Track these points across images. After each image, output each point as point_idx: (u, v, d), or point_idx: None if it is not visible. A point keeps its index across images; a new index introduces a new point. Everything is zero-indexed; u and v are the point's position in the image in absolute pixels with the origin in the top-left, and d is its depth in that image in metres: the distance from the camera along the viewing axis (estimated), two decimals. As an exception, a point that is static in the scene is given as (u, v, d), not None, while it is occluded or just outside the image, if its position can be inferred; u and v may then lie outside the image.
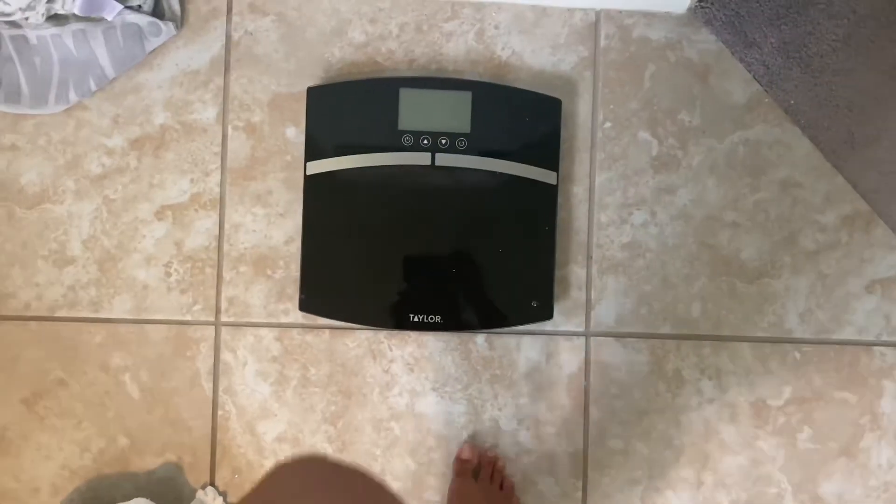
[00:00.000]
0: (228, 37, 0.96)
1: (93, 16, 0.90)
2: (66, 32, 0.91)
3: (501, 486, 0.93)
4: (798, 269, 0.99)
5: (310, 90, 0.94)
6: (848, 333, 0.99)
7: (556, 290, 0.96)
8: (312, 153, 0.93)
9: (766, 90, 0.99)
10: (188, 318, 0.95)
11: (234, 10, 0.96)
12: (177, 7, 0.95)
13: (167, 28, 0.93)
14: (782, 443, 0.99)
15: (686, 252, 0.98)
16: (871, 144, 0.99)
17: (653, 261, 0.98)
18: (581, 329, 0.98)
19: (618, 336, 0.98)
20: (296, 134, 0.96)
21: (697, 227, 0.98)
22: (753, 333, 0.99)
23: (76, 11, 0.88)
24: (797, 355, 0.99)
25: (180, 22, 0.95)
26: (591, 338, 0.98)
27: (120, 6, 0.89)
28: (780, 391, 0.99)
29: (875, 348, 1.00)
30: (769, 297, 0.99)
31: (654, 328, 0.98)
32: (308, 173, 0.93)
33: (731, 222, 0.99)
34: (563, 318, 0.98)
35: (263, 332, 0.96)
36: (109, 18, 0.90)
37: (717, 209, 0.99)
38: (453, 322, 0.94)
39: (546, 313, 0.95)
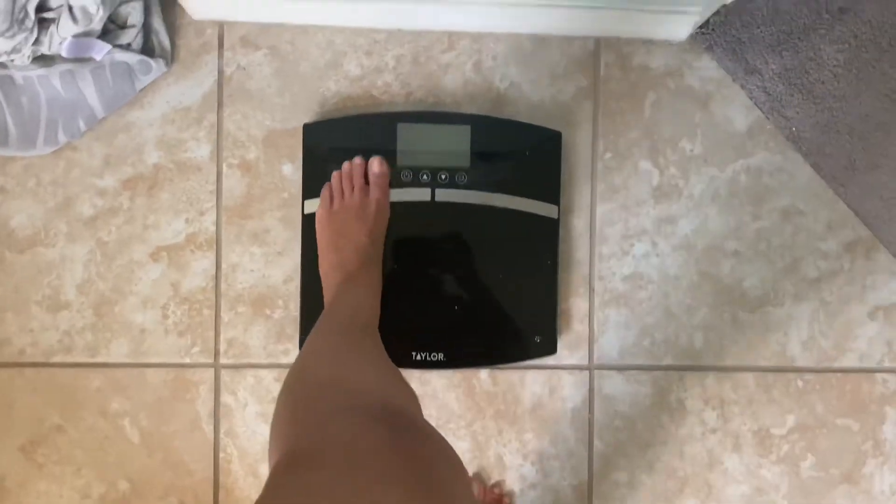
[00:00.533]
0: (220, 72, 0.94)
1: (80, 56, 0.87)
2: (54, 73, 0.88)
3: None
4: (800, 296, 0.99)
5: (306, 127, 0.93)
6: (850, 360, 0.99)
7: (559, 323, 0.96)
8: (310, 191, 0.92)
9: (767, 117, 0.98)
10: (187, 360, 0.94)
11: (225, 45, 0.94)
12: (167, 43, 0.92)
13: (157, 65, 0.91)
14: (785, 471, 0.99)
15: (688, 282, 0.98)
16: (873, 170, 0.99)
17: (654, 292, 0.98)
18: (584, 363, 0.97)
19: (621, 369, 0.98)
20: (292, 170, 0.94)
21: (699, 257, 0.98)
22: (756, 363, 0.99)
23: (63, 54, 0.85)
24: (800, 384, 0.99)
25: (171, 58, 0.93)
26: (595, 371, 0.98)
27: (108, 46, 0.86)
28: (783, 420, 0.99)
29: (877, 374, 1.00)
30: (772, 326, 0.99)
31: (656, 360, 0.98)
32: (306, 212, 0.92)
33: (732, 251, 0.98)
34: (567, 351, 0.97)
35: (263, 373, 0.95)
36: (98, 59, 0.88)
37: (718, 238, 0.98)
38: (457, 359, 0.93)
39: (550, 348, 0.95)
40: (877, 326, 1.00)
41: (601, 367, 0.98)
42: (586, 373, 0.97)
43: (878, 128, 0.98)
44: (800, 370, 0.99)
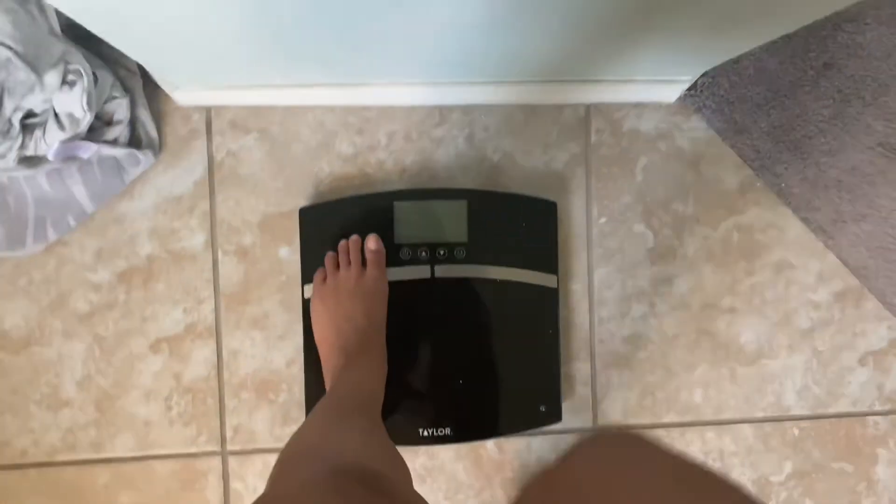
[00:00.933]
0: (210, 158, 0.93)
1: (68, 157, 0.85)
2: (40, 173, 0.86)
3: None
4: (794, 347, 1.01)
5: (301, 211, 0.92)
6: (843, 406, 1.02)
7: (563, 388, 0.97)
8: (309, 276, 0.91)
9: (757, 174, 1.00)
10: (193, 450, 0.94)
11: (214, 130, 0.92)
12: (154, 133, 0.90)
13: (146, 157, 0.89)
14: (786, 517, 1.02)
15: (686, 340, 0.99)
16: (859, 221, 1.01)
17: (654, 352, 0.99)
18: (589, 425, 0.99)
19: (625, 429, 0.99)
20: (289, 253, 0.94)
21: (696, 314, 0.99)
22: (754, 414, 1.01)
23: (50, 158, 0.83)
24: (796, 431, 1.02)
25: (159, 147, 0.91)
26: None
27: (94, 146, 0.84)
28: (780, 467, 1.02)
29: (868, 418, 1.03)
30: (767, 378, 1.01)
31: (658, 418, 1.00)
32: (306, 297, 0.91)
33: (728, 308, 1.00)
34: (571, 415, 0.98)
35: (271, 457, 0.95)
36: (85, 158, 0.86)
37: (714, 296, 1.00)
38: (463, 433, 0.93)
39: (554, 417, 0.95)
40: (867, 372, 1.02)
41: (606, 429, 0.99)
42: (591, 435, 0.99)
43: (864, 180, 1.00)
44: (795, 418, 1.02)
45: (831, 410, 1.02)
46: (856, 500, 1.03)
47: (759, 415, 1.01)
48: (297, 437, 0.65)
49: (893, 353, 1.03)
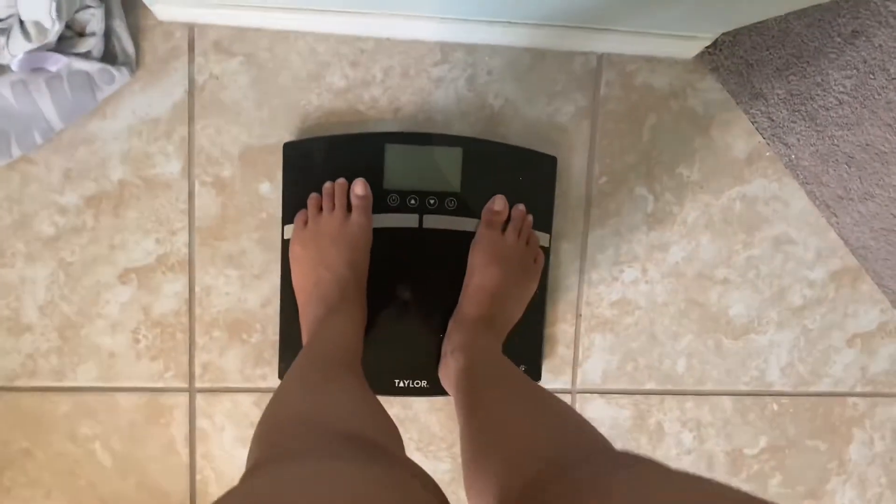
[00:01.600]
0: (191, 80, 0.86)
1: (34, 68, 0.78)
2: (4, 83, 0.79)
3: (528, 243, 0.88)
4: (783, 324, 0.99)
5: (286, 146, 0.86)
6: (825, 385, 1.01)
7: (544, 348, 0.94)
8: (290, 216, 0.86)
9: (768, 143, 0.95)
10: (160, 384, 0.90)
11: (196, 50, 0.85)
12: (130, 49, 0.83)
13: (120, 74, 0.82)
14: (754, 489, 1.02)
15: (675, 309, 0.97)
16: (866, 200, 0.97)
17: (641, 318, 0.97)
18: (567, 386, 0.97)
19: (603, 393, 0.98)
20: (270, 189, 0.88)
21: (688, 284, 0.97)
22: (735, 387, 1.00)
23: (13, 69, 0.76)
24: (775, 407, 1.01)
25: (135, 64, 0.84)
26: (577, 395, 0.97)
27: (64, 58, 0.78)
28: (755, 441, 1.02)
29: (849, 399, 1.02)
30: (753, 353, 0.99)
31: (638, 384, 0.98)
32: (286, 237, 0.87)
33: (722, 279, 0.97)
34: (551, 375, 0.96)
35: (241, 397, 0.92)
36: (53, 70, 0.79)
37: (708, 266, 0.96)
38: (440, 386, 0.91)
39: (534, 376, 0.94)
40: (853, 353, 1.01)
41: (584, 391, 0.97)
42: (569, 396, 0.97)
43: (877, 157, 0.96)
44: (775, 394, 1.01)
45: (812, 389, 1.01)
46: (825, 476, 1.04)
47: (741, 388, 1.00)
48: (281, 401, 0.61)
49: (881, 336, 1.01)
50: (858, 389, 1.02)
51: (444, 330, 0.89)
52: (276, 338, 0.89)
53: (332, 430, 0.54)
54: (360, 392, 0.66)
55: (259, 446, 0.54)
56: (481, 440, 0.62)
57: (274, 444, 0.52)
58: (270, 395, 0.87)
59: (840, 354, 1.01)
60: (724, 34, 0.90)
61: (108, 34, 0.82)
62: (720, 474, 1.01)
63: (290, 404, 0.60)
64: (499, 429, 0.61)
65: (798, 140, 0.95)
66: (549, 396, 0.64)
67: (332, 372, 0.68)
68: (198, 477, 0.93)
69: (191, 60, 0.85)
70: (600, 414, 0.98)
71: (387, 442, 0.57)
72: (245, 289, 0.90)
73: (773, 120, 0.94)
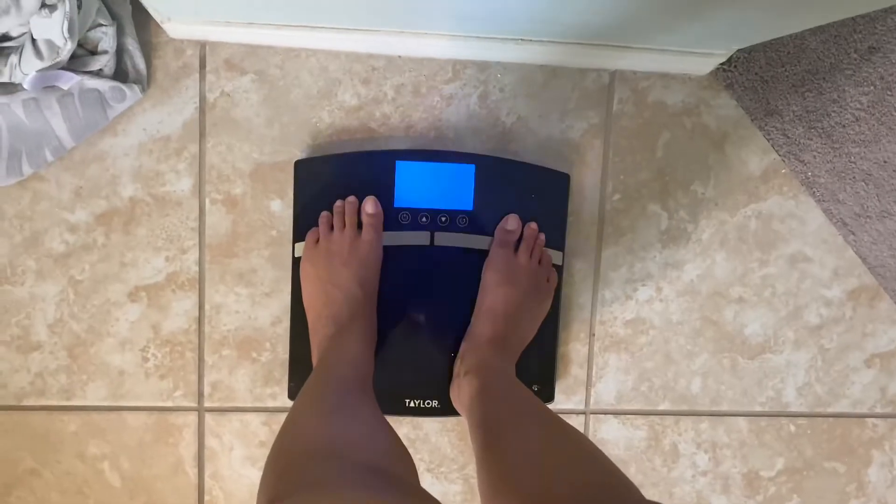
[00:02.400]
0: (203, 98, 0.86)
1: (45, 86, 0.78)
2: (16, 101, 0.79)
3: (540, 262, 0.87)
4: (800, 343, 0.97)
5: (297, 164, 0.86)
6: (843, 406, 0.99)
7: (558, 368, 0.93)
8: (301, 233, 0.85)
9: (783, 160, 0.94)
10: (169, 403, 0.90)
11: (207, 68, 0.85)
12: (142, 66, 0.83)
13: (132, 92, 0.82)
14: (771, 512, 1.00)
15: (690, 328, 0.95)
16: (884, 218, 0.96)
17: (656, 337, 0.95)
18: (581, 407, 0.96)
19: (617, 413, 0.96)
20: (281, 207, 0.88)
21: (703, 303, 0.95)
22: (751, 408, 0.98)
23: (26, 87, 0.76)
24: (792, 428, 0.99)
25: (147, 82, 0.84)
26: (591, 415, 0.96)
27: (76, 76, 0.77)
28: (772, 462, 1.00)
29: (867, 420, 1.00)
30: (769, 373, 0.97)
31: (653, 405, 0.96)
32: (297, 255, 0.86)
33: (737, 298, 0.95)
34: (563, 395, 0.95)
35: (250, 416, 0.91)
36: (65, 88, 0.79)
37: (724, 285, 0.95)
38: (451, 407, 0.89)
39: (547, 396, 0.92)
40: (872, 373, 0.99)
41: (598, 412, 0.96)
42: (582, 417, 0.96)
43: (895, 175, 0.94)
44: (792, 415, 0.99)
45: (830, 410, 0.99)
46: (844, 500, 1.02)
47: (757, 409, 0.98)
48: (295, 428, 0.61)
49: (900, 356, 0.99)
50: (878, 410, 1.00)
51: (455, 350, 0.87)
52: (287, 356, 0.88)
53: (348, 461, 0.54)
54: (374, 420, 0.66)
55: (275, 477, 0.54)
56: (502, 474, 0.61)
57: (291, 476, 0.52)
58: (280, 415, 0.90)
59: (858, 374, 0.99)
60: (739, 50, 0.89)
61: (119, 52, 0.82)
62: (736, 497, 0.99)
63: (305, 433, 0.60)
64: (520, 464, 0.61)
65: (814, 157, 0.93)
66: (567, 427, 0.64)
67: (344, 396, 0.68)
68: (206, 497, 0.92)
69: (202, 78, 0.85)
70: (614, 435, 0.96)
71: (402, 471, 0.58)
72: (255, 307, 0.89)
73: (788, 137, 0.93)
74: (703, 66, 0.89)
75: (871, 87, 0.92)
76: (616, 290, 0.94)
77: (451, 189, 0.87)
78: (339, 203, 0.84)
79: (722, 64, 0.90)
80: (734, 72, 0.91)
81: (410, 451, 0.88)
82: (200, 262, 0.88)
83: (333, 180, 0.86)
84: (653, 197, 0.93)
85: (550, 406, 0.93)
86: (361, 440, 0.59)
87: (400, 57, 0.87)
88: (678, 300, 0.95)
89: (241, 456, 0.91)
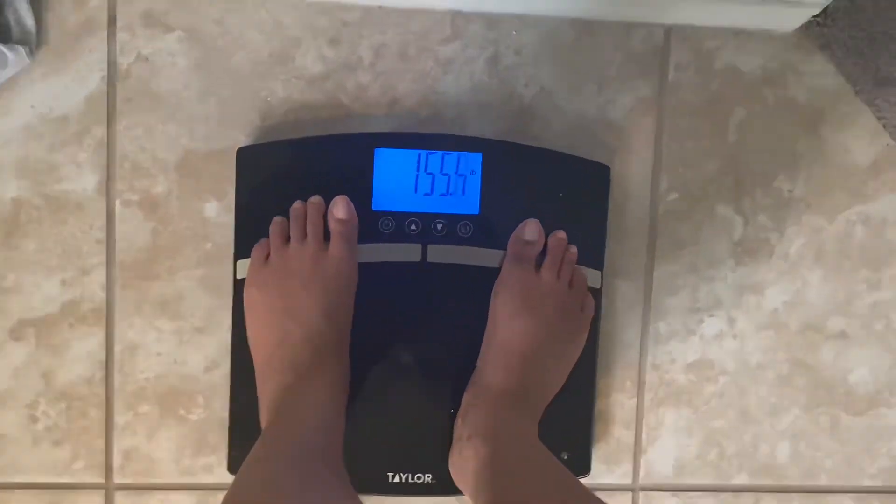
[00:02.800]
0: (112, 64, 0.68)
1: None
2: None
3: (571, 284, 0.71)
4: (924, 394, 0.77)
5: (240, 152, 0.69)
6: (982, 477, 0.79)
7: (595, 430, 0.74)
8: (245, 247, 0.68)
9: (899, 145, 0.74)
10: (66, 479, 0.70)
11: (119, 24, 0.67)
12: (30, 22, 0.65)
13: (15, 56, 0.64)
14: None
15: (774, 375, 0.77)
16: None
17: (728, 386, 0.76)
18: (628, 481, 0.77)
19: (676, 490, 0.77)
20: (219, 211, 0.70)
21: (791, 339, 0.77)
22: (859, 482, 0.79)
23: None
24: (914, 509, 0.78)
25: (36, 43, 0.66)
26: (641, 492, 0.77)
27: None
28: (887, 556, 0.78)
29: None
30: (883, 434, 0.78)
31: (725, 478, 0.77)
32: (239, 276, 0.68)
33: (838, 333, 0.77)
34: (604, 465, 0.76)
35: (176, 496, 0.72)
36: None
37: (820, 315, 0.77)
38: (451, 484, 0.71)
39: (581, 468, 0.73)
40: None
41: (650, 489, 0.77)
42: (629, 494, 0.77)
43: None
44: (915, 491, 0.79)
45: (965, 483, 0.79)
46: None
47: (866, 483, 0.79)
48: None
49: None
50: None
51: (456, 405, 0.70)
52: (226, 415, 0.70)
53: None
54: (340, 495, 0.56)
55: None
56: None
57: None
58: (217, 495, 0.71)
59: None
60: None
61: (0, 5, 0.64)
62: None
63: None
64: None
65: (941, 142, 0.72)
66: None
67: (305, 471, 0.56)
68: None
69: (111, 37, 0.68)
70: (674, 519, 0.77)
71: None
72: (183, 346, 0.71)
73: (906, 114, 0.72)
74: (790, 18, 0.72)
75: None
76: (674, 323, 0.76)
77: (451, 186, 0.71)
78: (297, 205, 0.68)
79: (816, 16, 0.72)
80: (832, 26, 0.72)
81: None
82: (109, 287, 0.70)
83: (290, 174, 0.70)
84: (722, 196, 0.75)
85: (585, 481, 0.74)
86: None
87: (381, 7, 0.69)
88: (758, 336, 0.76)
89: (167, 550, 0.71)
